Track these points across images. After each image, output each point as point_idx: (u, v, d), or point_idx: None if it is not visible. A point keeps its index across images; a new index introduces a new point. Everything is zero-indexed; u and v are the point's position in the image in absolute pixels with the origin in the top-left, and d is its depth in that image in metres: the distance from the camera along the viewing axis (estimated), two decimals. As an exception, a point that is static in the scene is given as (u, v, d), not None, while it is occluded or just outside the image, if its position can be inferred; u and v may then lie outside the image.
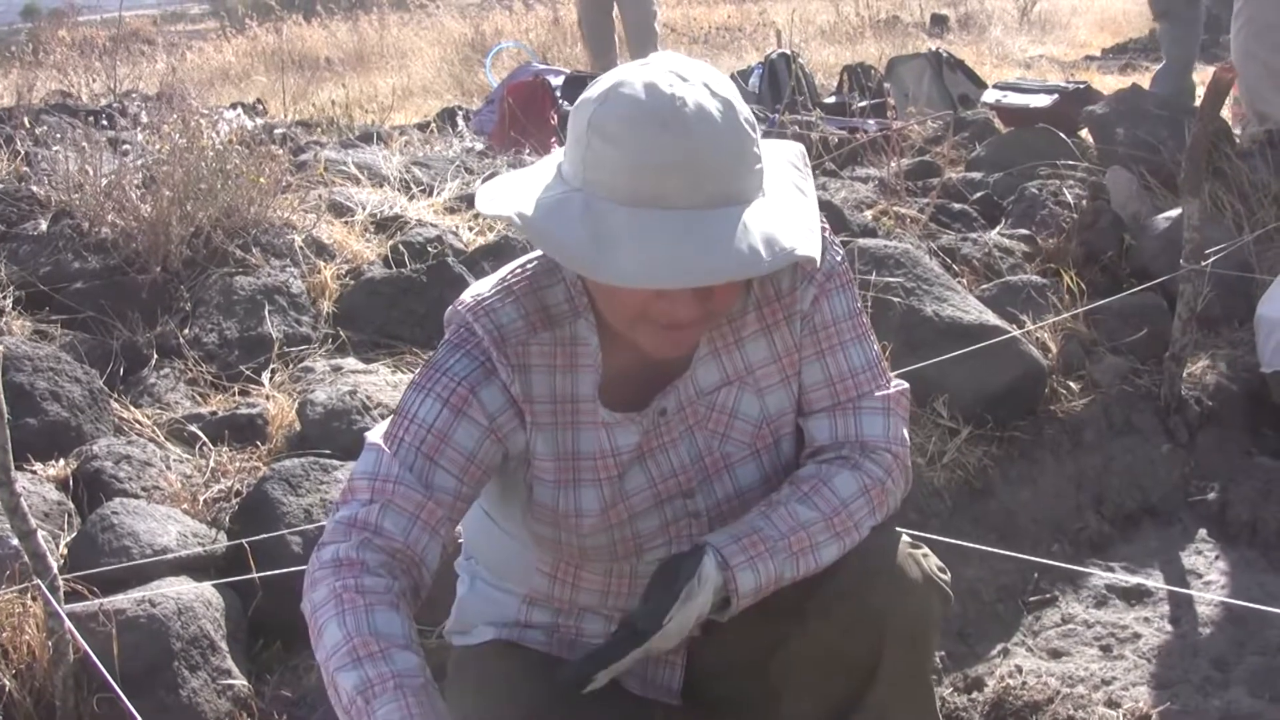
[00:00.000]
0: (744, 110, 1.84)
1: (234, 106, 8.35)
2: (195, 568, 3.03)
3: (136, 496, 3.20)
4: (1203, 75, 7.16)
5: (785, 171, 1.96)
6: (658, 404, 2.09)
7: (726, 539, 2.02)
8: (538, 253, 2.07)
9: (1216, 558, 3.72)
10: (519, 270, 2.07)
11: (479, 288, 2.07)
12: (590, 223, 1.78)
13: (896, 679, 2.12)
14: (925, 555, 2.15)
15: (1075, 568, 3.62)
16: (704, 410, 2.12)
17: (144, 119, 5.59)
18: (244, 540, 3.04)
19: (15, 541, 2.62)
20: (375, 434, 2.03)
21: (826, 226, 2.14)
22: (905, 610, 2.08)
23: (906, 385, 2.22)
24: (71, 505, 3.18)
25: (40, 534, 2.57)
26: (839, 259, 2.15)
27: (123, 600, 2.80)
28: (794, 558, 2.02)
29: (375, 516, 1.93)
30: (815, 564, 2.04)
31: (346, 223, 4.85)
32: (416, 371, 2.05)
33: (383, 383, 3.71)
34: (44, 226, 4.54)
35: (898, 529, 2.20)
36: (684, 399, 2.11)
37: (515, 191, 1.90)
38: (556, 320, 2.03)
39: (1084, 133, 6.00)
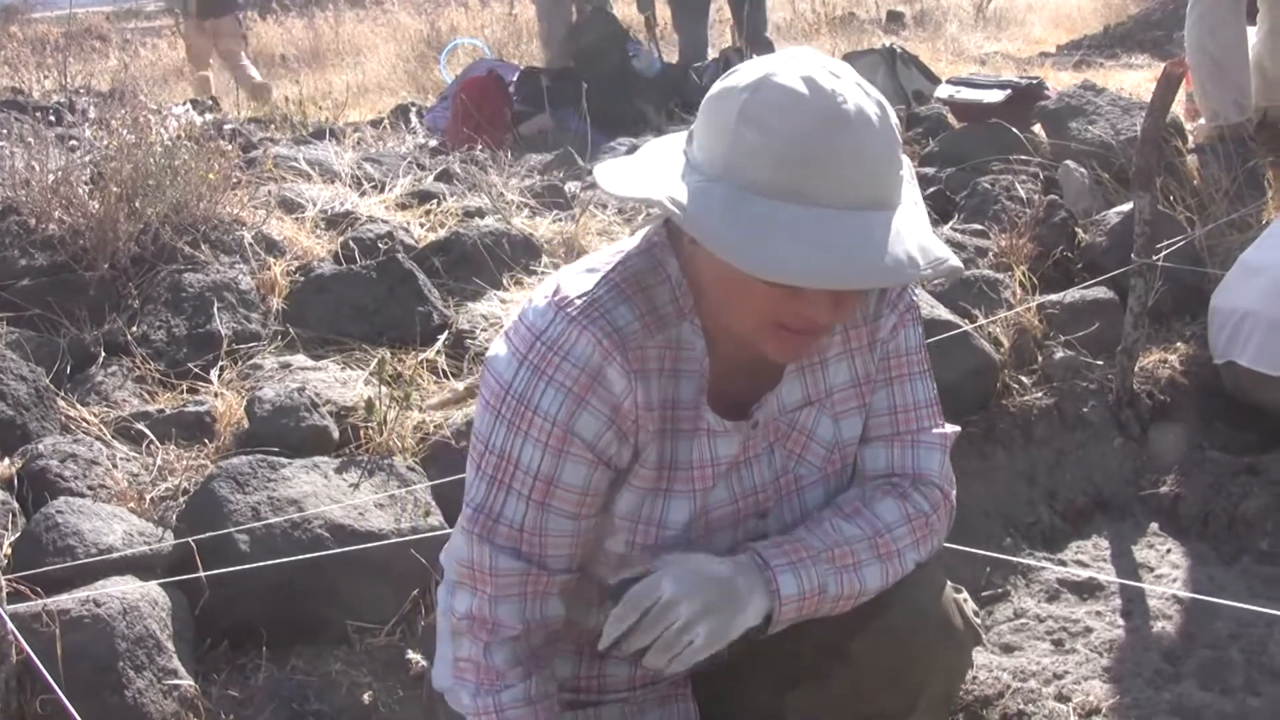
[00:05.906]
0: (894, 114, 1.77)
1: (186, 103, 8.28)
2: (141, 567, 2.98)
3: (82, 495, 3.16)
4: (1154, 71, 7.19)
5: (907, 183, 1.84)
6: (755, 414, 2.02)
7: (766, 544, 1.98)
8: (631, 245, 1.96)
9: (1168, 551, 3.74)
10: (619, 266, 1.92)
11: (579, 284, 1.90)
12: (734, 214, 1.66)
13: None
14: (965, 600, 2.15)
15: (1027, 562, 3.63)
16: (785, 427, 2.06)
17: (93, 115, 5.53)
18: (191, 539, 3.01)
19: (-45, 542, 2.59)
20: (471, 492, 1.98)
21: None
22: (946, 657, 2.08)
23: (959, 429, 2.21)
24: (16, 504, 3.14)
25: (-19, 534, 2.54)
26: (913, 294, 2.14)
27: (67, 600, 2.76)
28: (838, 572, 1.96)
29: (489, 610, 1.96)
30: (859, 586, 1.98)
31: (297, 219, 4.81)
32: (496, 396, 1.91)
33: (331, 379, 3.68)
34: (-11, 223, 4.49)
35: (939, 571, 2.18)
36: (770, 413, 2.04)
37: (642, 175, 1.79)
38: (664, 323, 1.90)
39: (1037, 128, 6.01)
